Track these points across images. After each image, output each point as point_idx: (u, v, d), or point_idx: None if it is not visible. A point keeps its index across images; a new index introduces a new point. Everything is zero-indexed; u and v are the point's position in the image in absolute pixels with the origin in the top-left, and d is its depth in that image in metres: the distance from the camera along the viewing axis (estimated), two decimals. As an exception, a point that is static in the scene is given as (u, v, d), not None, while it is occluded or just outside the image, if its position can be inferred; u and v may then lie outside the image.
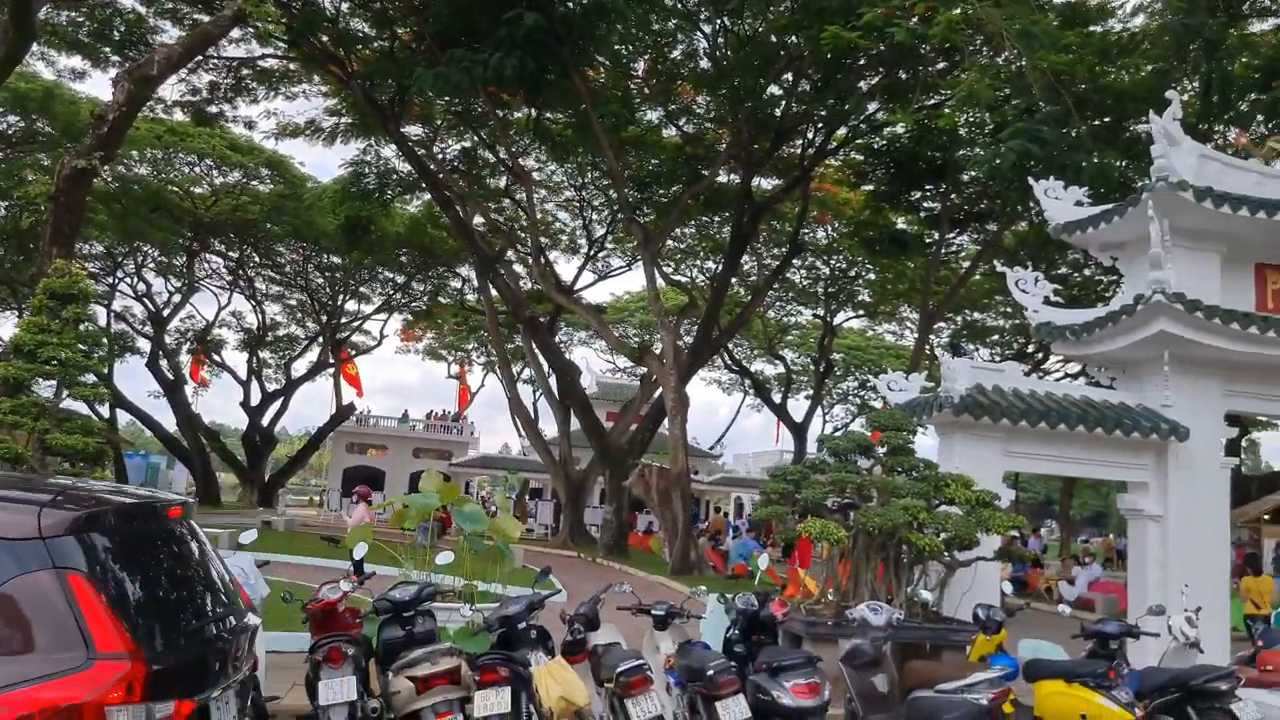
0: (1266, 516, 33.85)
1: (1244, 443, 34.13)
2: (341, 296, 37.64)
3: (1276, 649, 7.45)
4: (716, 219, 28.86)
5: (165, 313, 35.73)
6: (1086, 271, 25.18)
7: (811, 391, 39.49)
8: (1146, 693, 6.88)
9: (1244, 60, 18.80)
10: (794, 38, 19.42)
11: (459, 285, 36.29)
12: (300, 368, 40.48)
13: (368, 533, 8.15)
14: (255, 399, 38.34)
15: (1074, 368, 24.55)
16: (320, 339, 39.11)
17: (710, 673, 5.99)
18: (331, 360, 38.66)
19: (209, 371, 39.65)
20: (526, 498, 40.64)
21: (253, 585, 6.68)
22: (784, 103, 22.28)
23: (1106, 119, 19.56)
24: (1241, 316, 9.77)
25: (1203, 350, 9.87)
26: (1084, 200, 11.36)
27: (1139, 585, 10.25)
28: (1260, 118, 18.94)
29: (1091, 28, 19.57)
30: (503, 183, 29.53)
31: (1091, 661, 6.98)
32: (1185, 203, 9.69)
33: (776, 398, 40.23)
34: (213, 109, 26.18)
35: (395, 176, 28.38)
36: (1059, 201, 11.29)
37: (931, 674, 6.54)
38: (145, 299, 35.54)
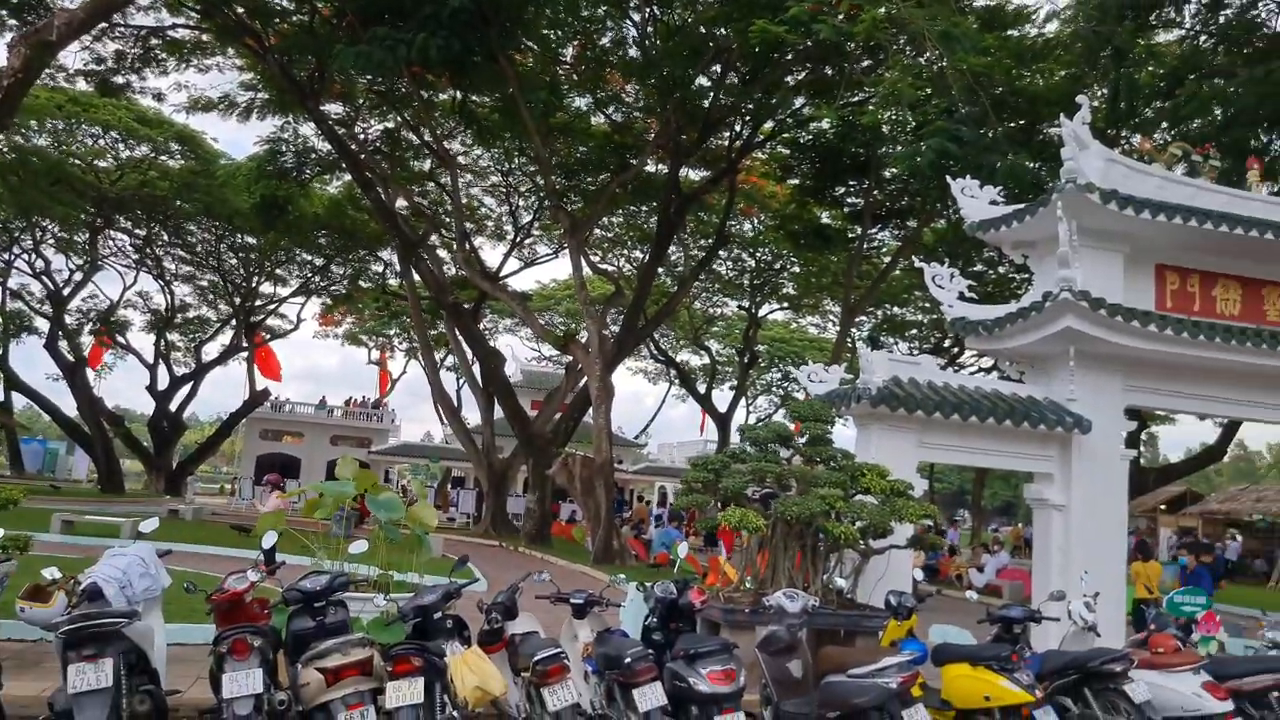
0: (1163, 506, 35.70)
1: (1144, 436, 35.88)
2: (256, 278, 36.47)
3: (1167, 632, 7.82)
4: (644, 209, 28.87)
5: (65, 291, 34.17)
6: (1001, 269, 26.01)
7: (736, 382, 39.94)
8: (1047, 674, 7.14)
9: (1150, 69, 19.63)
10: (723, 29, 19.49)
11: (380, 269, 35.53)
12: (212, 351, 39.19)
13: (279, 520, 7.88)
14: (163, 383, 36.94)
15: (988, 362, 25.43)
16: (233, 322, 37.85)
17: (628, 660, 6.00)
18: (245, 344, 37.46)
19: (113, 354, 38.06)
20: (448, 486, 40.18)
21: (153, 575, 6.39)
22: (712, 94, 22.38)
23: (1021, 121, 20.19)
24: (1141, 315, 10.19)
25: (1106, 346, 10.26)
26: (998, 199, 11.68)
27: (1043, 572, 10.64)
28: (1164, 125, 19.78)
29: (1009, 32, 20.15)
30: (427, 166, 28.97)
31: (996, 645, 7.20)
32: (1092, 204, 10.05)
33: (701, 388, 40.58)
34: (119, 79, 24.96)
35: (314, 156, 27.56)
36: (975, 200, 11.59)
37: (844, 659, 6.65)
38: (44, 276, 33.97)
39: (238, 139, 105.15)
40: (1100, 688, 6.93)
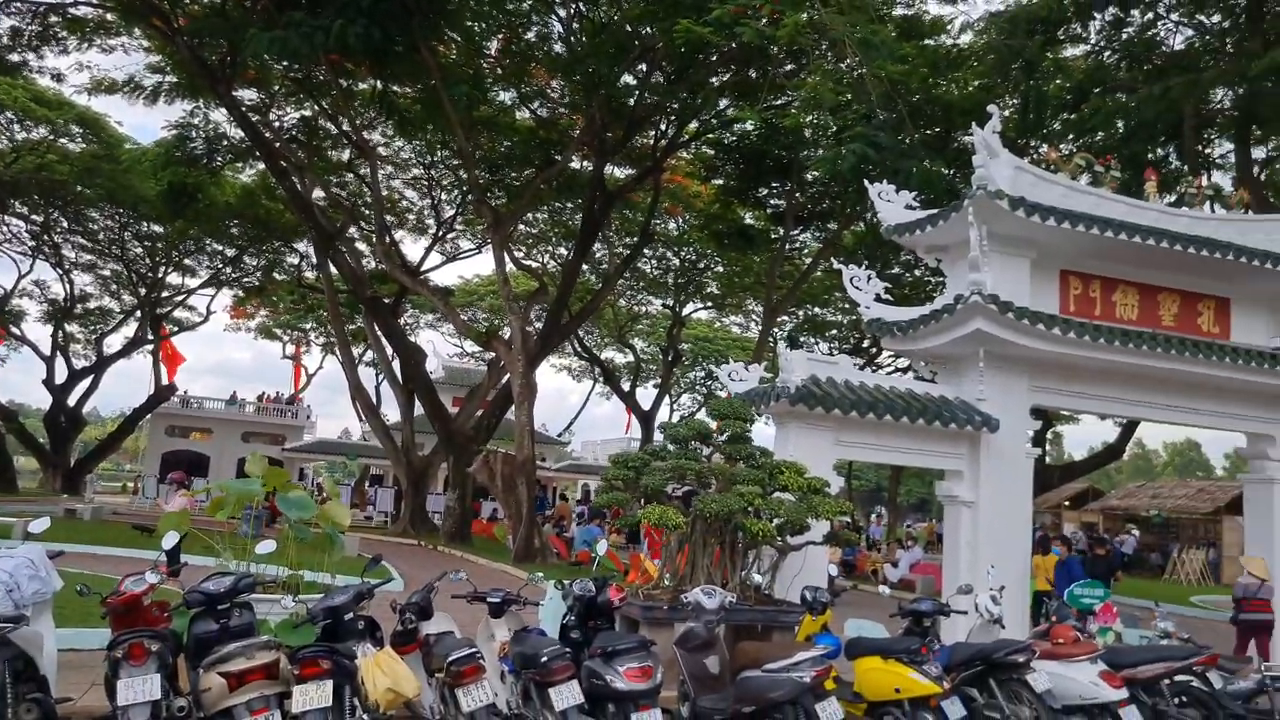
0: (1066, 503, 37.23)
1: (1049, 435, 37.35)
2: (163, 268, 35.06)
3: (1067, 624, 8.14)
4: (569, 205, 28.75)
5: (-46, 279, 32.28)
6: (917, 272, 26.72)
7: (660, 380, 40.12)
8: (954, 666, 7.36)
9: (1058, 82, 20.42)
10: (648, 28, 19.53)
11: (296, 261, 34.54)
12: (114, 344, 37.51)
13: (183, 520, 7.59)
14: (60, 376, 35.24)
15: (904, 362, 26.10)
16: (139, 313, 36.32)
17: (544, 659, 5.96)
18: (150, 337, 35.99)
19: (7, 345, 36.16)
20: (366, 484, 39.39)
21: (43, 578, 6.06)
22: (637, 93, 22.41)
23: (936, 129, 20.78)
24: (1046, 318, 10.58)
25: (1013, 348, 10.61)
26: (914, 204, 11.97)
27: (953, 566, 10.94)
28: (1071, 136, 20.61)
29: (925, 41, 20.70)
30: (346, 156, 28.29)
31: (906, 639, 7.39)
32: (1001, 211, 10.38)
33: (626, 386, 40.63)
34: (14, 57, 23.70)
35: (226, 143, 26.61)
36: (891, 204, 11.85)
37: (760, 654, 6.73)
38: (-70, 263, 32.03)
39: (144, 123, 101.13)
40: (1004, 678, 7.17)
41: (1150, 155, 19.84)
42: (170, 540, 6.86)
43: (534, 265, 31.89)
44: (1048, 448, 39.66)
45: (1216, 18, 19.79)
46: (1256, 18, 18.32)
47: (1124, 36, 20.56)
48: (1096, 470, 34.99)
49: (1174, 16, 20.19)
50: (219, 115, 25.56)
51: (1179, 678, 7.69)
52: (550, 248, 33.56)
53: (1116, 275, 11.55)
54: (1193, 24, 20.20)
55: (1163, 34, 20.68)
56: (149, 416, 38.82)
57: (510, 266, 24.62)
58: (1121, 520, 35.37)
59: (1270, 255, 11.35)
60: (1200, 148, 21.17)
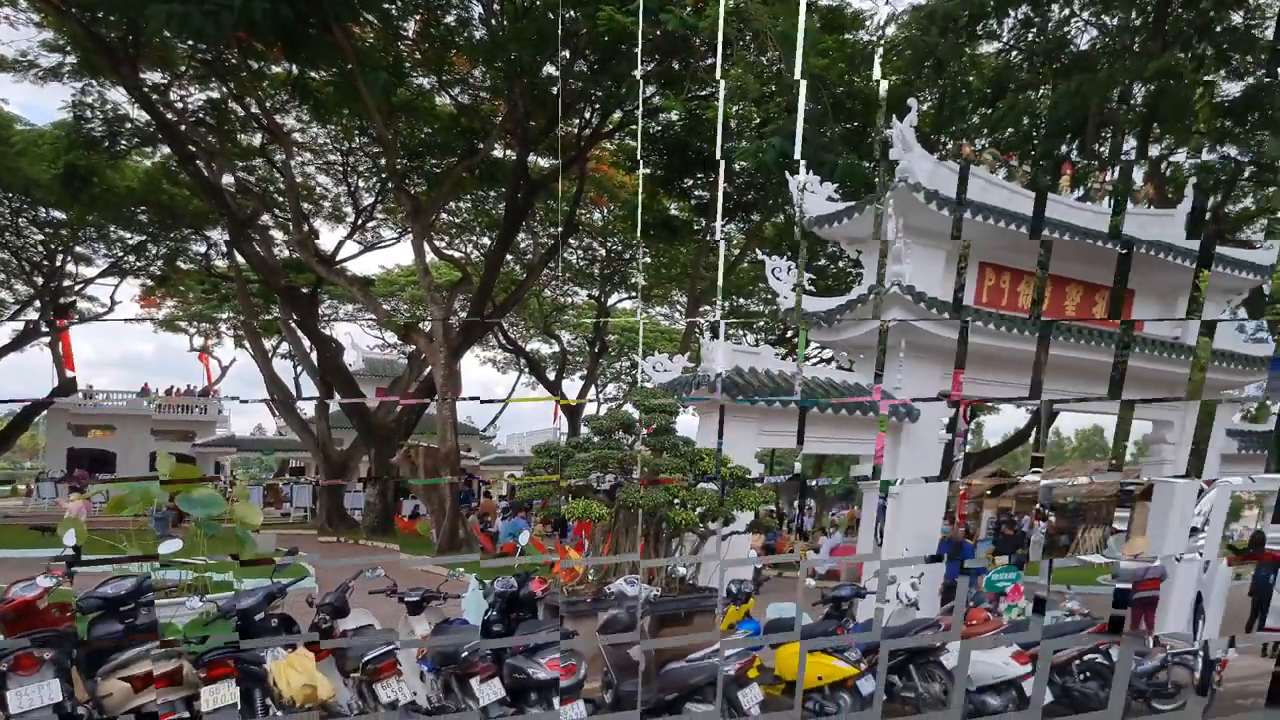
0: (989, 492, 38.30)
1: (971, 424, 38.36)
2: (61, 256, 33.33)
3: (980, 606, 8.39)
4: (492, 194, 28.35)
5: None
6: (840, 264, 27.15)
7: (586, 371, 40.00)
8: (873, 649, 7.50)
9: (972, 79, 20.94)
10: (572, 13, 19.31)
11: (205, 249, 33.24)
12: (5, 335, 35.56)
13: (79, 529, 7.24)
14: (-49, 371, 33.25)
15: (830, 352, 26.53)
16: (36, 304, 34.50)
17: (464, 654, 5.87)
18: (47, 329, 34.22)
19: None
20: (281, 480, 38.34)
21: (-76, 585, 5.71)
22: (560, 81, 22.17)
23: (856, 123, 21.10)
24: (963, 308, 10.85)
25: (929, 338, 10.86)
26: (834, 196, 12.14)
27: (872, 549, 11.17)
28: (986, 131, 21.17)
29: (846, 35, 20.98)
30: (257, 141, 27.30)
31: (824, 623, 7.52)
32: (919, 203, 10.60)
33: (552, 377, 40.40)
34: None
35: (129, 125, 25.40)
36: (813, 196, 11.99)
37: (683, 641, 6.75)
38: None
39: (38, 103, 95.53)
40: (921, 660, 7.35)
41: (1061, 150, 20.50)
42: (70, 539, 6.52)
43: (456, 255, 31.39)
44: (969, 435, 40.78)
45: (1122, 17, 20.53)
46: (1160, 18, 19.09)
47: (1032, 35, 21.20)
48: (1007, 455, 36.16)
49: (1085, 15, 20.91)
50: (119, 95, 24.37)
51: (1086, 656, 8.00)
52: (473, 237, 33.05)
53: (1027, 267, 11.90)
54: (1098, 24, 20.96)
55: (1073, 33, 21.42)
56: (45, 413, 36.97)
57: (431, 256, 24.17)
58: (1035, 504, 36.54)
59: (1169, 247, 11.86)
60: (1096, 146, 21.97)
